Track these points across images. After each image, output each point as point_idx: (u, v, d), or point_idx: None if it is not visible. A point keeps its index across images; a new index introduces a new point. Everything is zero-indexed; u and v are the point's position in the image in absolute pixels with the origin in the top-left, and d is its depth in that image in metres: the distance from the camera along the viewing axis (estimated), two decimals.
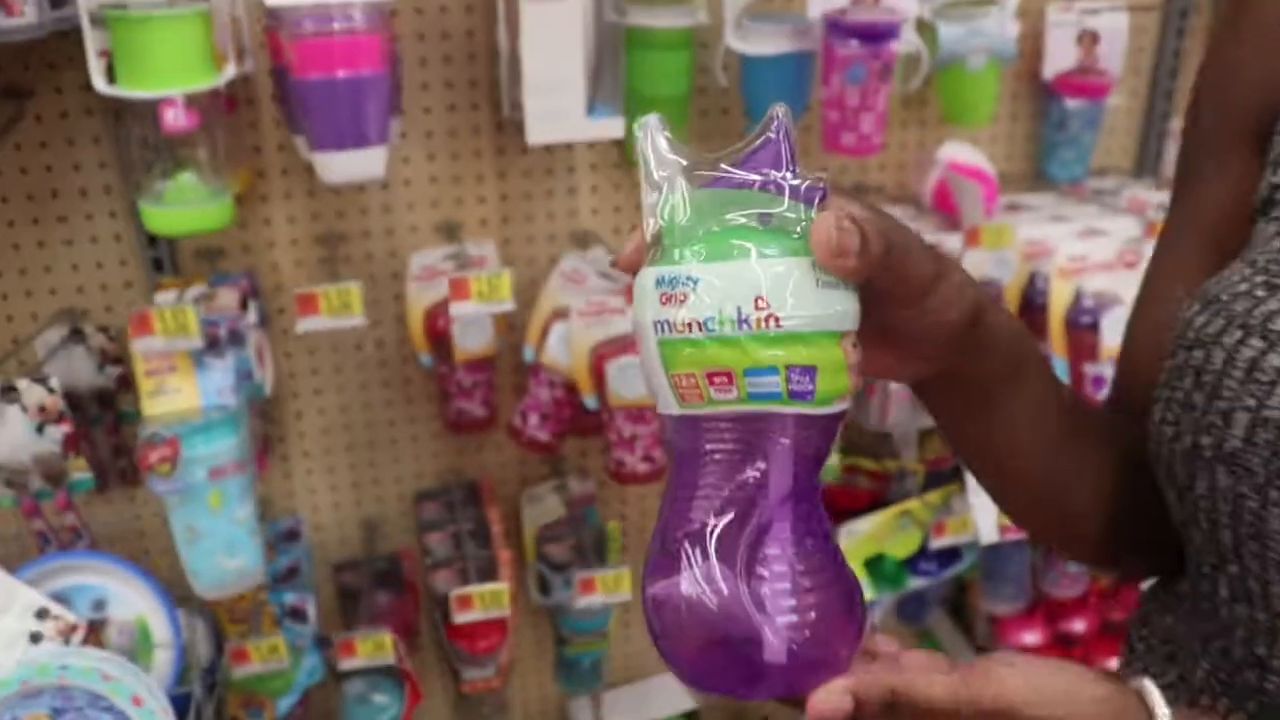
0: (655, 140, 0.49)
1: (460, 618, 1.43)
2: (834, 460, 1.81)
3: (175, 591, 1.35)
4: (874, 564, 1.71)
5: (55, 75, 1.39)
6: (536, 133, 1.28)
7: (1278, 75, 0.65)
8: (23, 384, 1.24)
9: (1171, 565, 0.70)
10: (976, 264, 1.55)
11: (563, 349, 1.53)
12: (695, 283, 0.47)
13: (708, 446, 0.49)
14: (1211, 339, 0.59)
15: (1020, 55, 1.72)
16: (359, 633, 1.43)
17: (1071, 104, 1.73)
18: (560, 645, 1.72)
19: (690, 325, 0.47)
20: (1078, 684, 0.51)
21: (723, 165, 0.49)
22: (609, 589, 1.46)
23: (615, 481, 1.53)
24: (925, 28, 1.59)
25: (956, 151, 1.68)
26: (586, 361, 1.49)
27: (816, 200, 0.48)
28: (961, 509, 1.67)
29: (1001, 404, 0.63)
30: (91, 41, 1.09)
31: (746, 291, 0.46)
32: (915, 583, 1.75)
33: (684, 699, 1.94)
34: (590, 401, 1.50)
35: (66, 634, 1.22)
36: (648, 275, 0.49)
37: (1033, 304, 1.58)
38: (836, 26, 1.34)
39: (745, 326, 0.46)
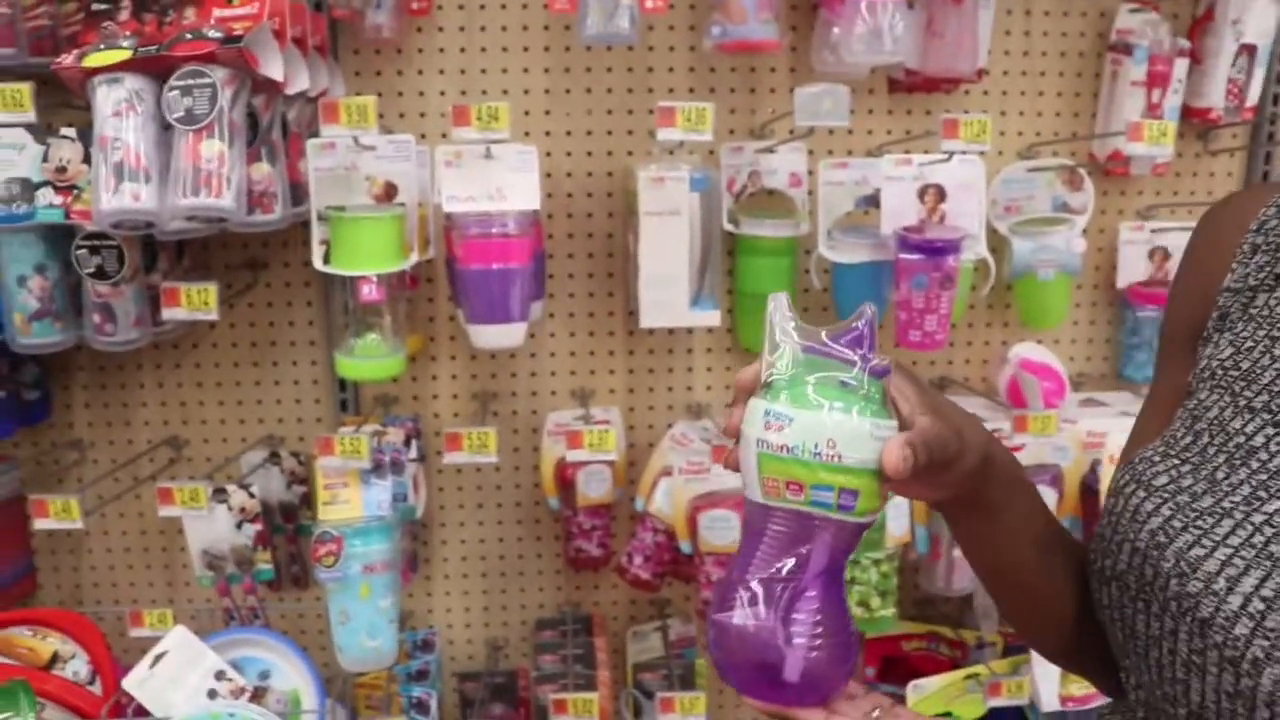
0: (781, 311, 0.71)
1: None
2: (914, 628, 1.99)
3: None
4: None
5: (284, 252, 1.79)
6: (648, 319, 1.59)
7: (1206, 296, 0.86)
8: (231, 488, 1.59)
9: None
10: (1036, 452, 1.75)
11: (667, 500, 1.78)
12: (791, 420, 0.68)
13: (774, 527, 0.71)
14: (1118, 489, 0.81)
15: (1097, 267, 1.95)
16: None
17: (1142, 312, 1.92)
18: None
19: (782, 448, 0.68)
20: None
21: (823, 339, 0.70)
22: (685, 710, 1.67)
23: (702, 620, 1.75)
24: (1002, 241, 1.84)
25: (1028, 350, 1.89)
26: (685, 512, 1.74)
27: (882, 375, 0.70)
28: (1025, 674, 1.80)
29: (1002, 516, 0.84)
30: (316, 232, 1.46)
31: (823, 434, 0.67)
32: None
33: None
34: (685, 546, 1.74)
35: (237, 694, 1.52)
36: (759, 405, 0.69)
37: (1090, 489, 1.75)
38: (904, 242, 1.61)
39: (818, 457, 0.67)
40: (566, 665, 1.82)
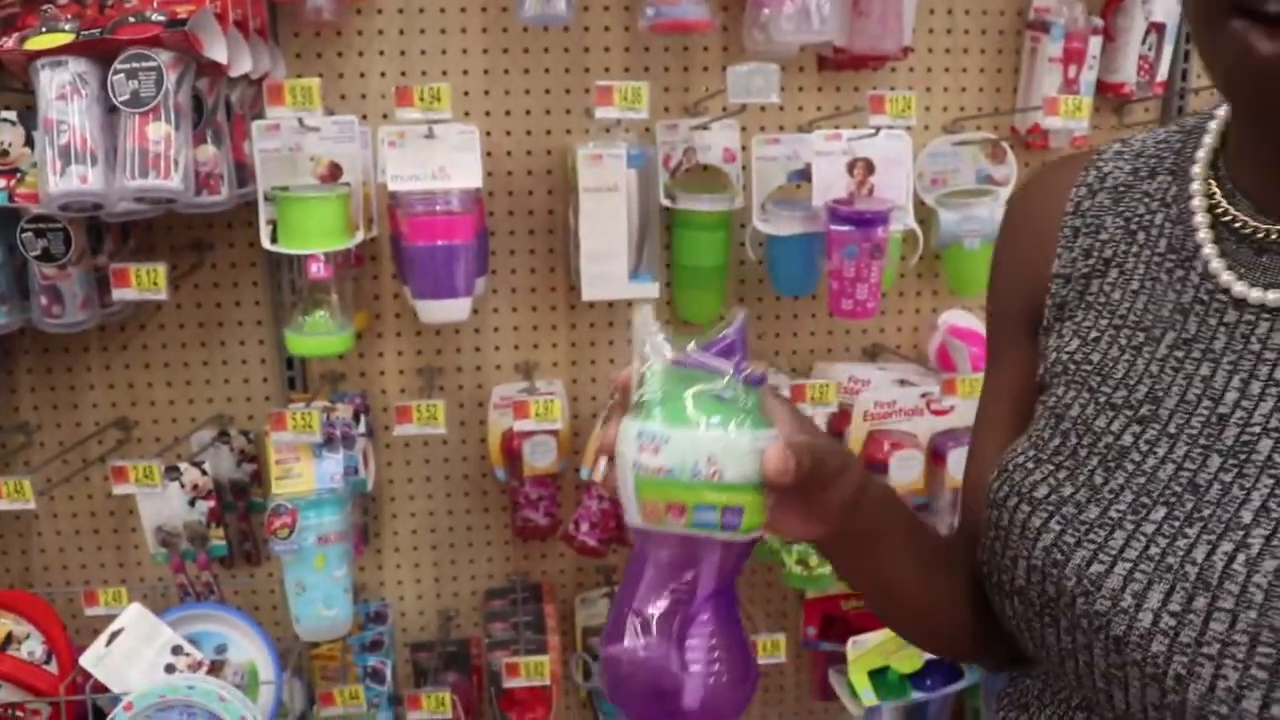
0: (647, 325, 0.68)
1: (509, 683, 1.71)
2: None
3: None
4: (879, 674, 1.92)
5: (230, 233, 1.81)
6: (589, 291, 1.64)
7: (1035, 281, 0.84)
8: (183, 466, 1.62)
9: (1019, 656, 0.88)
10: (965, 414, 1.82)
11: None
12: (666, 439, 0.63)
13: (658, 552, 0.67)
14: (1000, 502, 0.79)
15: None
16: (425, 689, 1.72)
17: None
18: None
19: (660, 470, 0.63)
20: None
21: (692, 351, 0.67)
22: None
23: None
24: (929, 212, 1.91)
25: (956, 317, 1.97)
26: None
27: (757, 384, 0.66)
28: None
29: (884, 549, 0.81)
30: (263, 212, 1.49)
31: (701, 452, 0.63)
32: (916, 696, 1.95)
33: None
34: None
35: (194, 668, 1.55)
36: (632, 426, 0.65)
37: None
38: (835, 214, 1.67)
39: (698, 476, 0.63)
40: (517, 632, 1.87)
